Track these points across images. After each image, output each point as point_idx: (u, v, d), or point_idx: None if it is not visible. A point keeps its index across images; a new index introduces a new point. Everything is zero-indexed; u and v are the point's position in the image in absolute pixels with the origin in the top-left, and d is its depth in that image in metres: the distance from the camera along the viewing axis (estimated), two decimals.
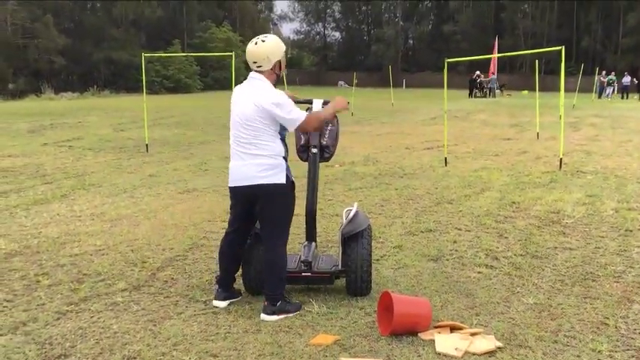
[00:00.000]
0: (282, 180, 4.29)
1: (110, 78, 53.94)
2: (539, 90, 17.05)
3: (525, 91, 48.25)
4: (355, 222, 4.56)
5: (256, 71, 4.29)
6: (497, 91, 44.85)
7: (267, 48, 4.22)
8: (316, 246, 4.90)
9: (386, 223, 7.00)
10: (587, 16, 70.78)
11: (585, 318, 4.28)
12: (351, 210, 4.68)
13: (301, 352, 3.71)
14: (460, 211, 7.62)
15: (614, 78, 42.48)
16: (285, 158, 4.36)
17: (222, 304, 4.46)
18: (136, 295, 4.69)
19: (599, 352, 3.75)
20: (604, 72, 42.99)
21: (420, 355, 3.69)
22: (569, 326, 4.14)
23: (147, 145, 13.35)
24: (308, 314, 4.30)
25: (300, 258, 4.70)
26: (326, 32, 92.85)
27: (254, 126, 4.21)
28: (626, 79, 43.05)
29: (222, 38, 59.33)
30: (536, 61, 16.78)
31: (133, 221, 7.00)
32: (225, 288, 4.53)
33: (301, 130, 4.47)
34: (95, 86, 46.53)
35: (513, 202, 8.07)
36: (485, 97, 43.21)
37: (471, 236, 6.44)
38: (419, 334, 3.97)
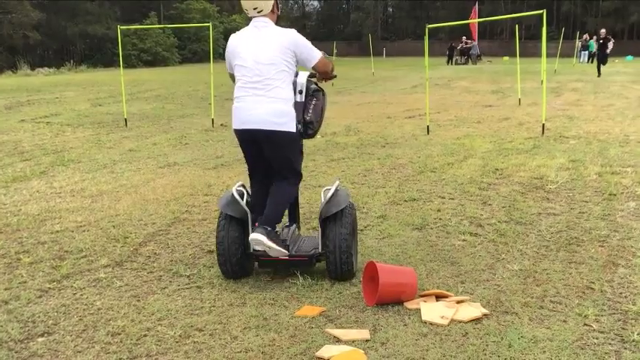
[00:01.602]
0: (293, 128, 4.18)
1: (86, 52, 53.11)
2: (520, 56, 16.99)
3: (506, 58, 48.31)
4: (333, 202, 4.29)
5: (258, 16, 4.21)
6: (476, 59, 44.77)
7: None
8: (298, 227, 4.77)
9: (369, 193, 6.96)
10: None
11: (571, 283, 4.28)
12: (329, 189, 4.40)
13: (287, 324, 3.67)
14: (443, 179, 7.60)
15: (592, 43, 42.36)
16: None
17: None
18: (118, 270, 4.63)
19: (585, 316, 3.74)
20: (585, 35, 42.96)
21: (406, 325, 3.67)
22: (554, 291, 4.13)
23: (125, 119, 13.17)
24: (293, 286, 4.26)
25: None
26: (304, 2, 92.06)
27: (275, 65, 4.12)
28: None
29: (199, 9, 58.55)
30: (516, 26, 16.71)
31: (113, 197, 6.91)
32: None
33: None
34: (71, 61, 45.77)
35: (496, 169, 8.06)
36: (466, 64, 43.15)
37: (455, 204, 6.43)
38: (405, 304, 3.94)
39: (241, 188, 4.46)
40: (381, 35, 76.03)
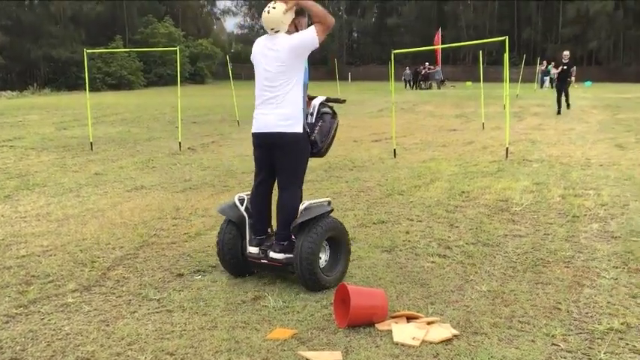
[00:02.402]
0: (300, 129, 4.60)
1: (50, 76, 52.45)
2: (483, 81, 17.32)
3: (469, 83, 49.10)
4: (303, 214, 4.60)
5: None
6: (440, 84, 45.51)
7: (278, 13, 4.57)
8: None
9: (338, 215, 6.96)
10: (527, 7, 72.46)
11: (538, 303, 4.36)
12: (304, 203, 4.68)
13: (259, 347, 3.66)
14: (411, 202, 7.68)
15: (550, 68, 43.31)
16: (303, 110, 4.67)
17: (255, 250, 4.78)
18: (87, 295, 4.56)
19: (552, 336, 3.81)
20: (545, 62, 43.95)
21: (377, 346, 3.70)
22: (522, 312, 4.20)
23: (91, 143, 13.03)
24: (264, 309, 4.26)
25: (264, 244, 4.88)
26: None
27: (281, 72, 4.56)
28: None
29: (165, 33, 58.53)
30: (480, 52, 17.06)
31: (80, 221, 6.82)
32: (259, 232, 4.84)
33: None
34: (35, 84, 45.25)
35: (463, 192, 8.18)
36: (429, 88, 43.81)
37: (423, 226, 6.50)
38: (376, 325, 3.97)
39: (243, 195, 4.94)
40: (347, 60, 76.85)
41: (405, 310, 4.22)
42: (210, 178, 9.51)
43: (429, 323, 3.96)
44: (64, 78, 50.06)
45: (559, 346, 3.69)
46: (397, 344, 3.71)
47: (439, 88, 44.49)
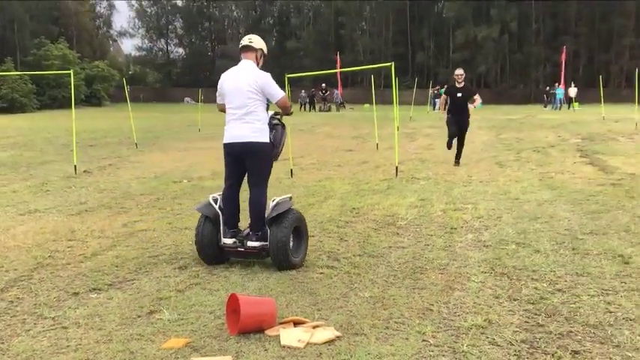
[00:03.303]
0: (267, 139, 5.83)
1: None
2: (379, 103, 18.09)
3: (367, 105, 50.49)
4: (275, 208, 5.77)
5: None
6: (339, 106, 46.67)
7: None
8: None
9: None
10: (420, 33, 75.44)
11: (413, 306, 4.79)
12: (274, 199, 5.83)
13: (153, 356, 3.88)
14: (305, 218, 8.02)
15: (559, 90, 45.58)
16: (268, 124, 5.90)
17: (230, 241, 5.88)
18: None
19: (423, 333, 4.24)
20: (437, 86, 46.04)
21: (266, 350, 3.99)
22: (399, 314, 4.62)
23: None
24: (159, 322, 4.46)
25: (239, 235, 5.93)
26: (169, 48, 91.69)
27: (251, 97, 5.76)
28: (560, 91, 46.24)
29: (58, 55, 56.71)
30: (372, 76, 17.83)
31: None
32: (232, 226, 5.93)
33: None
34: None
35: (354, 208, 8.64)
36: (329, 110, 44.82)
37: (315, 241, 6.86)
38: (265, 331, 4.27)
39: (216, 196, 6.01)
40: None
41: (293, 316, 4.54)
42: (107, 200, 9.54)
43: (314, 327, 4.30)
44: None
45: (428, 341, 4.12)
46: (284, 347, 4.02)
47: (338, 110, 45.59)
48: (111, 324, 4.43)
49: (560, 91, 46.42)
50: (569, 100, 46.19)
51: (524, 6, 68.16)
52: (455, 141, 13.33)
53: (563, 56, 51.76)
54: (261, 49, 6.07)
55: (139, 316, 4.60)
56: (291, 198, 6.08)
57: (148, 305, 4.82)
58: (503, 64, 72.06)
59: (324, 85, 46.07)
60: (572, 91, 46.17)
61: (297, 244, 5.91)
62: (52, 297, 5.05)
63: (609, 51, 67.44)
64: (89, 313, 4.66)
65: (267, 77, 5.86)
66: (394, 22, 76.41)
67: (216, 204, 5.95)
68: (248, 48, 5.98)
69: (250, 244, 5.81)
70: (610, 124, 25.81)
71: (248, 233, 5.93)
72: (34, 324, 4.46)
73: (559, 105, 45.70)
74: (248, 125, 5.76)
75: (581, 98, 47.91)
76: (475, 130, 23.79)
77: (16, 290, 5.23)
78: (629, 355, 3.90)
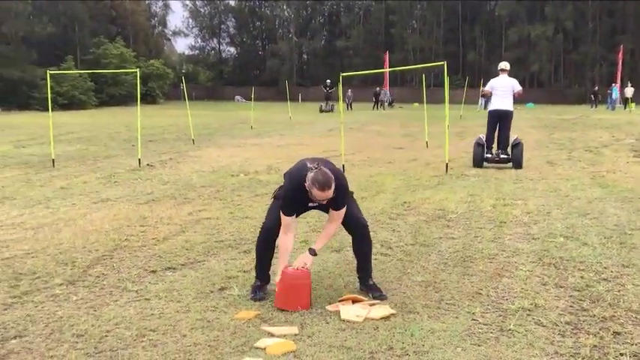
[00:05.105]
0: None
1: (1, 95, 51.77)
2: (429, 102, 18.36)
3: (416, 104, 50.63)
4: (514, 141, 11.05)
5: None
6: (387, 104, 46.86)
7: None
8: None
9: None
10: (471, 31, 74.95)
11: (463, 290, 5.15)
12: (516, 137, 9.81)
13: (228, 325, 4.34)
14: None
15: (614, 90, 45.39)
16: None
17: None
18: (72, 288, 5.15)
19: (473, 313, 4.60)
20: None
21: (328, 322, 4.41)
22: (449, 296, 4.98)
23: (53, 160, 13.44)
24: (230, 297, 4.93)
25: None
26: (221, 47, 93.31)
27: None
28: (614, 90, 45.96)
29: (116, 54, 58.55)
30: (423, 75, 18.10)
31: (54, 229, 7.35)
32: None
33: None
34: None
35: (405, 202, 8.99)
36: (330, 111, 44.91)
37: None
38: (326, 307, 4.69)
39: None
40: (297, 81, 78.03)
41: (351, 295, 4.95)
42: (172, 191, 10.11)
43: (371, 305, 4.71)
44: (14, 97, 49.52)
45: (477, 320, 4.47)
46: (344, 321, 4.44)
47: (384, 109, 45.81)
48: (187, 297, 4.92)
49: (615, 90, 45.64)
50: (625, 101, 45.36)
51: (580, 4, 67.08)
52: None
53: (620, 55, 50.83)
54: None
55: (212, 292, 5.07)
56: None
57: (219, 282, 5.29)
58: (557, 64, 71.09)
59: (328, 81, 45.15)
60: (629, 92, 45.33)
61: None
62: (132, 274, 5.58)
63: None
64: (167, 287, 5.16)
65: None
66: (445, 21, 76.20)
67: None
68: None
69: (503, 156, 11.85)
70: None
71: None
72: (120, 296, 4.98)
73: (613, 105, 44.91)
74: None
75: (638, 99, 46.99)
76: (527, 129, 23.83)
77: (100, 267, 5.78)
78: None
